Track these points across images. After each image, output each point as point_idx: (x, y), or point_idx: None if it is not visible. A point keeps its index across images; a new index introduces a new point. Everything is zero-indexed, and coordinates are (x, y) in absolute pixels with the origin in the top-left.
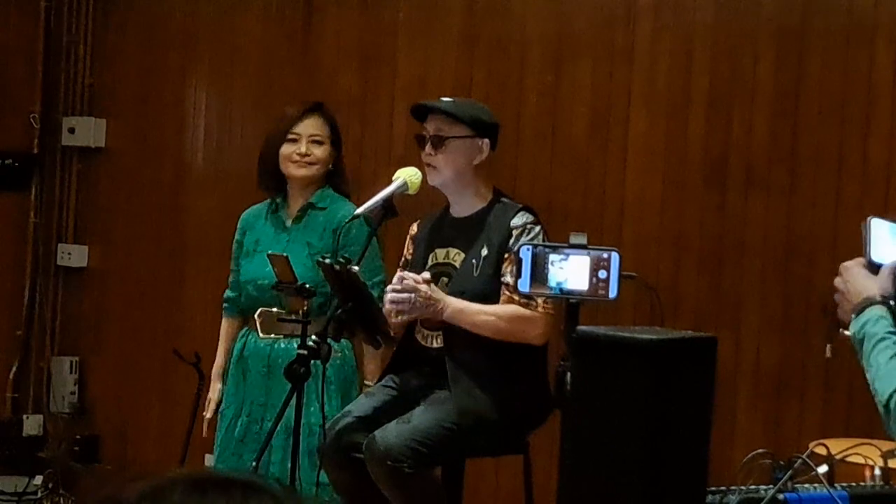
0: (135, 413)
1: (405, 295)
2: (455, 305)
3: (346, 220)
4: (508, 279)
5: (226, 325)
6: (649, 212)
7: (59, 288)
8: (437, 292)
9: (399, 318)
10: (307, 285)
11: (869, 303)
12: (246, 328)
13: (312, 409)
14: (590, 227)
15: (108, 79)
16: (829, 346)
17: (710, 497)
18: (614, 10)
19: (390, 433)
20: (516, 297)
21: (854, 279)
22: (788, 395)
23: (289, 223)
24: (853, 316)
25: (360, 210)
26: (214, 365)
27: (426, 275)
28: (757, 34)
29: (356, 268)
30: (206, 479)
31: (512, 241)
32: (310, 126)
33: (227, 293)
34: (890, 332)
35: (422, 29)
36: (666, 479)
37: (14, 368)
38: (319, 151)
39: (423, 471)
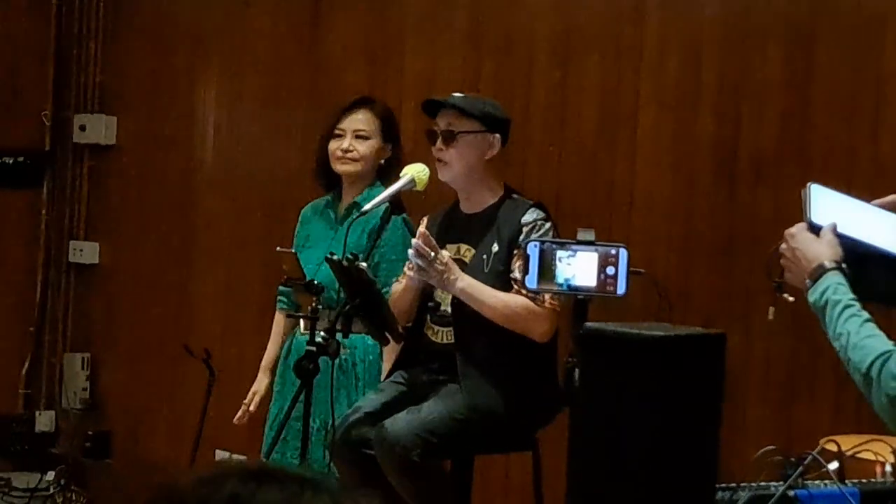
0: (146, 409)
1: (428, 250)
2: (468, 281)
3: (355, 216)
4: (517, 274)
5: (278, 319)
6: (658, 207)
7: (70, 284)
8: (454, 265)
9: (413, 273)
10: (315, 281)
11: (824, 270)
12: (296, 327)
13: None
14: (598, 223)
15: (119, 76)
16: (771, 308)
17: (720, 494)
18: (622, 6)
19: (400, 422)
20: (524, 293)
21: (802, 245)
22: (799, 392)
23: (338, 221)
24: (808, 283)
25: (367, 206)
26: (263, 358)
27: (447, 252)
28: (765, 28)
29: (363, 264)
30: (261, 470)
31: (522, 237)
32: (355, 121)
33: (281, 286)
34: (852, 299)
35: (429, 26)
36: (675, 476)
37: (26, 365)
38: (363, 147)
39: (431, 461)
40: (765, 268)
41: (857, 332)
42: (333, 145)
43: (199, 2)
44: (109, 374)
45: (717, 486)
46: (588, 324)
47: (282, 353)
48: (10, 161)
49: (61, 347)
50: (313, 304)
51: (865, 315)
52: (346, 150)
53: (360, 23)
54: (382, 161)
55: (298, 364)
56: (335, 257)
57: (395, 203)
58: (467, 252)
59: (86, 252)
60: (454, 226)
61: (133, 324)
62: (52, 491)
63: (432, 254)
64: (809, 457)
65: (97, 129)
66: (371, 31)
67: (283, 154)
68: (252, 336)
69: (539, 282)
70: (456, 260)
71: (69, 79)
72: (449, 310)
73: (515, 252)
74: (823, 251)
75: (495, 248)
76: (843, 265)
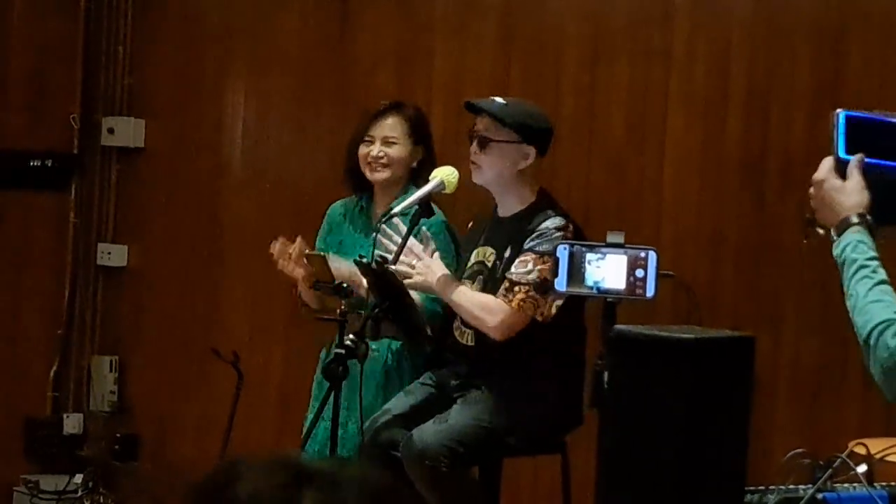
0: (174, 412)
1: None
2: (442, 279)
3: (384, 219)
4: (512, 270)
5: None
6: (686, 210)
7: (98, 287)
8: (434, 261)
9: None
10: (344, 285)
11: (847, 224)
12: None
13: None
14: (627, 226)
15: (147, 79)
16: (805, 241)
17: (748, 496)
18: (651, 9)
19: (427, 433)
20: (502, 289)
21: (828, 195)
22: (827, 394)
23: (374, 228)
24: (834, 235)
25: (397, 209)
26: None
27: (433, 246)
28: (794, 31)
29: (393, 267)
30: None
31: (528, 241)
32: (384, 128)
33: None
34: (869, 259)
35: (458, 28)
36: (704, 479)
37: (54, 367)
38: (393, 151)
39: (460, 470)
40: (797, 205)
41: (864, 296)
42: (363, 151)
43: (227, 4)
44: (137, 377)
45: (746, 488)
46: (617, 326)
47: (319, 363)
48: (39, 164)
49: (89, 350)
50: (342, 307)
51: (879, 277)
52: (377, 157)
53: (389, 25)
54: (415, 164)
55: (327, 367)
56: (365, 260)
57: (425, 206)
58: (490, 256)
59: (114, 255)
60: (487, 229)
61: (161, 326)
62: (80, 494)
63: (414, 261)
64: (838, 460)
65: (125, 131)
66: (400, 32)
67: (311, 156)
68: (280, 339)
69: (568, 284)
70: (481, 262)
71: (97, 81)
72: None
73: (523, 254)
74: (848, 201)
75: (508, 252)
76: (868, 216)
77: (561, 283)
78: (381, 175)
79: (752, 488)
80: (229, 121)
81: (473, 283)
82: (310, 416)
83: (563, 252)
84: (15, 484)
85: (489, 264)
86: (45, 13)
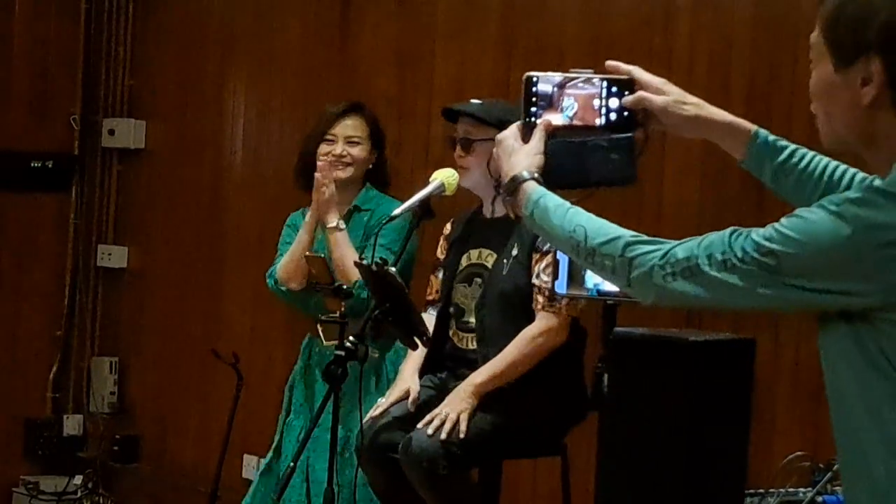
0: (174, 413)
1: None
2: (476, 382)
3: (384, 222)
4: (542, 279)
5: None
6: (687, 213)
7: (98, 289)
8: (454, 398)
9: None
10: (344, 286)
11: (519, 181)
12: (308, 337)
13: None
14: (627, 227)
15: (148, 80)
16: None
17: (748, 499)
18: (652, 11)
19: (425, 435)
20: (541, 299)
21: (504, 153)
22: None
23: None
24: (506, 196)
25: (397, 211)
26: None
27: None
28: (796, 33)
29: (393, 269)
30: None
31: (539, 239)
32: (347, 127)
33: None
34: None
35: (459, 30)
36: (704, 481)
37: (54, 369)
38: (356, 151)
39: (458, 472)
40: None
41: (590, 221)
42: (324, 149)
43: (228, 5)
44: (137, 378)
45: (746, 491)
46: (617, 329)
47: (298, 367)
48: (39, 165)
49: (89, 351)
50: (342, 309)
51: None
52: (340, 156)
53: (390, 26)
54: (371, 165)
55: (327, 369)
56: (364, 262)
57: (425, 208)
58: (489, 257)
59: (114, 256)
60: (476, 231)
61: (161, 328)
62: (79, 495)
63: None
64: (838, 463)
65: (126, 133)
66: (401, 35)
67: None
68: (280, 340)
69: (569, 287)
70: (478, 265)
71: (98, 83)
72: (473, 320)
73: (536, 256)
74: (520, 163)
75: (515, 251)
76: (537, 176)
77: (561, 286)
78: (342, 173)
79: (752, 491)
80: (230, 122)
81: (470, 286)
82: (297, 424)
83: (562, 255)
84: (14, 485)
85: (489, 265)
86: (47, 15)
